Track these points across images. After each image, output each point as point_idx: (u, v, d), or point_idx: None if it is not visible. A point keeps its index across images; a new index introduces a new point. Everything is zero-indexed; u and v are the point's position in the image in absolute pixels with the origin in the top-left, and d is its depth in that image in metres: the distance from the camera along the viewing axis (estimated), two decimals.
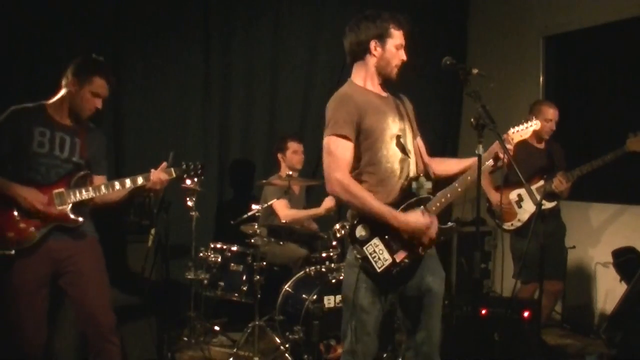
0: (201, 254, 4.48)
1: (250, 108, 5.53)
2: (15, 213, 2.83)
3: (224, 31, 5.35)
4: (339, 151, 2.55)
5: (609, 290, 5.08)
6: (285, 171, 4.97)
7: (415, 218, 2.55)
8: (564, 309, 5.33)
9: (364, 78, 2.71)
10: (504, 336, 3.50)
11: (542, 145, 4.49)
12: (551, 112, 4.43)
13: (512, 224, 4.43)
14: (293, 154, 5.00)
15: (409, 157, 2.67)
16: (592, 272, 5.28)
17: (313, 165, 5.63)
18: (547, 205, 4.38)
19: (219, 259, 4.43)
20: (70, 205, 2.92)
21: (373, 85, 2.72)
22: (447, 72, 2.62)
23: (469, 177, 2.65)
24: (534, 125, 2.91)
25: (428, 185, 2.66)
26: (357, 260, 2.59)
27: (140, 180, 3.06)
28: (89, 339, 2.98)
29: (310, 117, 5.76)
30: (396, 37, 2.67)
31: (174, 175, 3.20)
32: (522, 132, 2.88)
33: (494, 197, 4.45)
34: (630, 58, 5.11)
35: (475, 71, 2.49)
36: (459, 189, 2.66)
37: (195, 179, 3.37)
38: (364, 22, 2.69)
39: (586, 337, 4.93)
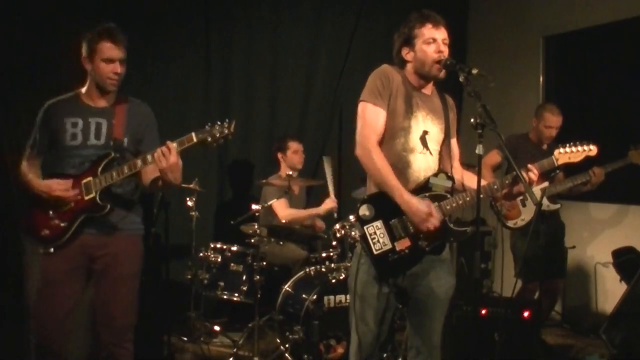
0: (201, 254, 4.48)
1: (250, 108, 5.53)
2: (49, 210, 2.79)
3: (224, 31, 5.35)
4: (368, 116, 2.61)
5: (609, 290, 5.08)
6: (285, 171, 4.96)
7: (420, 204, 2.55)
8: (564, 309, 5.33)
9: (409, 75, 2.72)
10: (504, 336, 3.50)
11: (544, 147, 4.49)
12: (553, 120, 4.40)
13: (515, 223, 4.42)
14: (293, 154, 4.99)
15: (431, 154, 2.69)
16: (592, 272, 5.28)
17: (313, 165, 5.64)
18: (551, 207, 4.37)
19: (219, 259, 4.43)
20: (97, 192, 2.77)
21: (415, 84, 2.71)
22: (447, 72, 2.62)
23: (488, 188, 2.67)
24: (588, 150, 2.82)
25: (447, 183, 2.66)
26: (359, 245, 2.62)
27: (149, 157, 2.73)
28: (102, 341, 2.90)
29: (310, 117, 5.76)
30: (422, 34, 2.62)
31: (195, 140, 2.73)
32: (571, 154, 2.80)
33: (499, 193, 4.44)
34: (631, 58, 5.11)
35: (475, 71, 2.48)
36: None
37: (222, 140, 2.77)
38: (395, 34, 2.71)
39: (586, 337, 4.93)
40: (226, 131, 2.74)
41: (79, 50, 2.89)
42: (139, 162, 2.75)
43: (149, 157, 2.72)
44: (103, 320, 2.90)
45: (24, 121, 4.46)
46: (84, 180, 2.79)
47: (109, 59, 2.81)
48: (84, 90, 2.92)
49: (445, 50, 2.63)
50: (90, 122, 2.85)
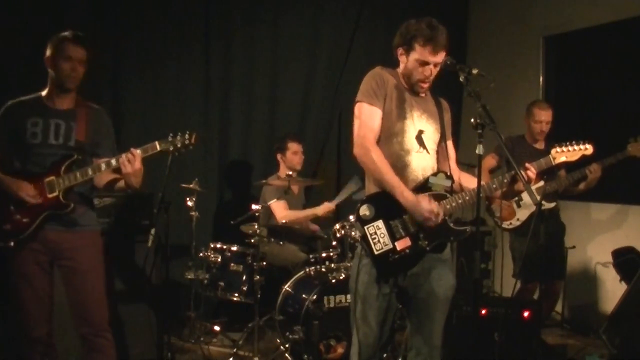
0: (201, 254, 4.48)
1: (250, 108, 5.53)
2: (11, 206, 2.88)
3: (224, 31, 5.35)
4: (364, 116, 2.64)
5: (609, 290, 5.08)
6: (284, 171, 4.96)
7: (421, 200, 2.56)
8: (564, 309, 5.33)
9: (402, 75, 2.73)
10: (504, 336, 3.50)
11: (541, 146, 4.49)
12: (541, 114, 4.41)
13: (510, 223, 4.43)
14: (293, 155, 4.99)
15: (427, 152, 2.70)
16: (592, 272, 5.28)
17: (313, 165, 5.64)
18: (547, 205, 4.38)
19: (219, 259, 4.43)
20: (61, 191, 2.90)
21: (408, 86, 2.73)
22: (447, 72, 2.62)
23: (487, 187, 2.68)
24: (584, 149, 2.83)
25: (447, 183, 2.67)
26: (360, 245, 2.63)
27: (113, 162, 2.91)
28: (83, 335, 3.01)
29: (310, 117, 5.76)
30: (418, 53, 2.59)
31: (158, 148, 2.95)
32: (568, 153, 2.81)
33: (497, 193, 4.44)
34: (631, 58, 5.11)
35: (475, 71, 2.49)
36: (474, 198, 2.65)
37: (184, 150, 3.00)
38: (401, 28, 2.70)
39: (586, 337, 4.93)
40: (187, 142, 2.98)
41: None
42: (103, 165, 2.92)
43: (112, 162, 2.90)
44: (77, 314, 3.02)
45: None
46: (47, 179, 2.91)
47: (69, 57, 2.93)
48: (44, 93, 3.04)
49: (434, 74, 2.65)
50: (50, 122, 2.96)
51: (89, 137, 3.02)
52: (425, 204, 2.55)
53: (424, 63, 2.61)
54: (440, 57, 2.61)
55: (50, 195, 2.89)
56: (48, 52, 2.97)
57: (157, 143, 2.94)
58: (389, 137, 2.65)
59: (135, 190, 3.01)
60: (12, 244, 2.87)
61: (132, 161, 2.85)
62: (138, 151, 2.88)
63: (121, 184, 2.97)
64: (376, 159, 2.57)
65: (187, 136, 2.98)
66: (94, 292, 3.01)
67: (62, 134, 2.97)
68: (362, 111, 2.64)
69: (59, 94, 3.00)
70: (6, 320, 3.53)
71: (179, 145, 2.97)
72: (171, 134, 2.98)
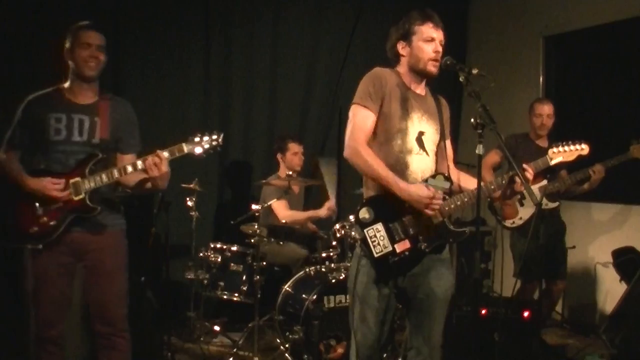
0: (201, 254, 4.48)
1: (250, 108, 5.52)
2: (37, 208, 2.81)
3: (224, 31, 5.35)
4: (357, 119, 2.63)
5: (609, 290, 5.08)
6: (284, 171, 4.96)
7: (418, 189, 2.56)
8: (564, 309, 5.33)
9: (402, 73, 2.73)
10: (504, 336, 3.50)
11: (545, 144, 4.49)
12: (542, 108, 4.43)
13: (513, 222, 4.43)
14: (293, 155, 4.99)
15: (427, 154, 2.69)
16: (592, 272, 5.28)
17: (313, 166, 5.63)
18: (550, 205, 4.38)
19: (219, 259, 4.43)
20: (87, 194, 2.82)
21: (409, 82, 2.72)
22: (447, 72, 2.62)
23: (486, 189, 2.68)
24: (580, 149, 2.82)
25: (445, 185, 2.66)
26: (359, 247, 2.62)
27: (139, 164, 2.82)
28: (100, 333, 2.97)
29: (310, 117, 5.76)
30: (421, 32, 2.63)
31: (185, 151, 2.84)
32: (564, 154, 2.80)
33: (497, 194, 4.44)
34: (631, 58, 5.11)
35: (475, 71, 2.49)
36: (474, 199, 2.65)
37: (212, 152, 2.90)
38: (392, 27, 2.72)
39: (586, 337, 4.93)
40: (215, 143, 2.87)
41: (62, 47, 2.94)
42: (129, 167, 2.83)
43: (139, 164, 2.81)
44: (97, 314, 2.97)
45: None
46: (72, 180, 2.82)
47: (88, 44, 2.87)
48: (66, 85, 2.95)
49: (441, 51, 2.65)
50: (73, 118, 2.89)
51: (112, 133, 2.94)
52: (423, 191, 2.54)
53: (430, 39, 2.63)
54: (441, 34, 2.65)
55: (76, 198, 2.81)
56: (67, 44, 2.91)
57: (183, 145, 2.84)
58: (389, 138, 2.64)
59: (162, 191, 2.97)
60: (40, 246, 2.81)
61: (159, 164, 2.76)
62: (165, 154, 2.78)
63: (149, 184, 2.90)
64: (367, 157, 2.57)
65: (214, 137, 2.87)
66: (117, 292, 2.98)
67: (86, 130, 2.88)
68: (355, 114, 2.64)
69: (81, 85, 2.91)
70: (11, 320, 3.54)
71: (206, 146, 2.86)
72: (198, 135, 2.86)
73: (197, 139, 2.85)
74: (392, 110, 2.63)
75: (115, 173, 2.83)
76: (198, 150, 2.85)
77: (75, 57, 2.88)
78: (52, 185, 2.78)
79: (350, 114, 2.66)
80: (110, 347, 2.97)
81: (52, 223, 2.81)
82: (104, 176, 2.82)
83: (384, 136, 2.64)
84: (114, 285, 2.97)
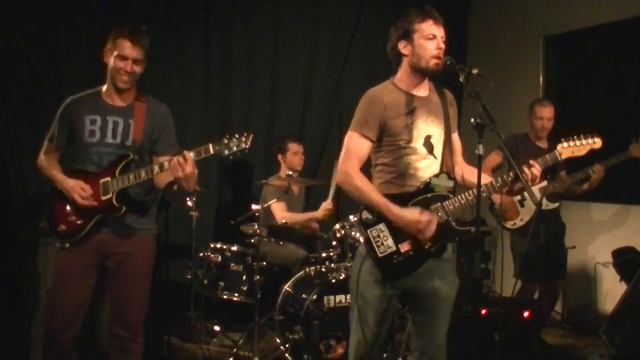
0: (201, 254, 4.48)
1: (250, 108, 5.53)
2: (67, 206, 2.85)
3: (224, 31, 5.35)
4: (352, 145, 2.63)
5: (609, 290, 5.09)
6: (285, 172, 4.96)
7: (411, 214, 2.55)
8: (564, 309, 5.33)
9: (400, 79, 2.71)
10: (504, 336, 3.50)
11: (544, 145, 4.49)
12: (542, 111, 4.43)
13: (514, 223, 4.43)
14: (293, 155, 4.99)
15: (435, 158, 2.68)
16: (592, 272, 5.28)
17: (314, 165, 5.63)
18: (550, 205, 4.38)
19: (219, 259, 4.43)
20: (114, 194, 2.82)
21: (410, 85, 2.70)
22: (447, 72, 2.62)
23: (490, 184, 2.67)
24: (592, 143, 2.79)
25: (448, 184, 2.66)
26: (362, 246, 2.62)
27: (166, 165, 2.76)
28: (116, 335, 2.96)
29: (310, 117, 5.76)
30: (422, 30, 2.61)
31: (212, 152, 2.74)
32: (575, 148, 2.77)
33: (497, 195, 4.45)
34: (631, 58, 5.11)
35: (475, 71, 2.48)
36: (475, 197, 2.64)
37: (239, 153, 2.78)
38: (392, 28, 2.70)
39: (586, 337, 4.93)
40: (243, 145, 2.76)
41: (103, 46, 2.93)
42: (156, 167, 2.81)
43: (165, 164, 2.76)
44: (117, 316, 2.96)
45: (24, 114, 4.48)
46: (102, 180, 2.84)
47: (123, 57, 2.85)
48: (104, 88, 2.97)
49: (443, 47, 2.63)
50: (108, 120, 2.90)
51: (146, 135, 2.94)
52: (415, 216, 2.54)
53: (432, 37, 2.61)
54: (442, 30, 2.63)
55: (104, 198, 2.82)
56: (107, 45, 2.89)
57: (210, 146, 2.75)
58: (398, 149, 2.63)
59: (189, 193, 2.94)
60: (67, 245, 2.84)
61: (183, 165, 2.67)
62: (191, 154, 2.71)
63: (175, 186, 2.86)
64: (359, 184, 2.57)
65: (243, 138, 2.77)
66: (140, 297, 2.98)
67: (119, 132, 2.89)
68: (350, 141, 2.64)
69: (116, 91, 2.92)
70: (15, 319, 3.55)
71: (234, 149, 2.76)
72: (227, 135, 2.78)
73: (225, 140, 2.77)
74: (396, 126, 2.62)
75: (143, 174, 2.81)
76: (226, 151, 2.76)
77: (111, 65, 2.88)
78: (78, 189, 2.81)
79: (346, 139, 2.66)
80: (126, 351, 2.97)
81: (79, 222, 2.84)
82: (131, 176, 2.82)
83: (393, 147, 2.64)
84: (135, 291, 2.96)
